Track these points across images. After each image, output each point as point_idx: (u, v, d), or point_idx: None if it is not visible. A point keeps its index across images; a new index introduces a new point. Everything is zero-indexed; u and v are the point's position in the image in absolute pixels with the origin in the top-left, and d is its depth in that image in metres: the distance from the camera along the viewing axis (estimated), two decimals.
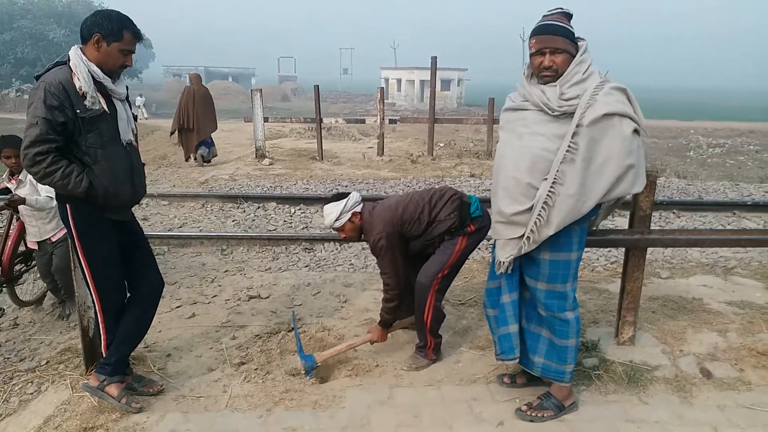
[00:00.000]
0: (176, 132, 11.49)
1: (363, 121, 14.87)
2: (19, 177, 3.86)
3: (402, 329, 3.76)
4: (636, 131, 2.52)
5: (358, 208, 3.31)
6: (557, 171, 2.51)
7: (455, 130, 20.70)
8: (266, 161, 11.83)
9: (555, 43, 2.52)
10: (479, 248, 5.67)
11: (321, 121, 12.36)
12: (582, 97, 2.49)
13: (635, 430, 2.80)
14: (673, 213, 7.56)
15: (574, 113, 2.49)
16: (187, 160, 11.78)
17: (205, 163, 11.46)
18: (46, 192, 3.71)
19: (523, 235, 2.63)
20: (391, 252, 3.21)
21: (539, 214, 2.56)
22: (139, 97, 27.73)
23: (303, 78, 73.38)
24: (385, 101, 13.11)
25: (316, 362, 3.26)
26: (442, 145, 15.06)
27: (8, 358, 3.39)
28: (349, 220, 3.29)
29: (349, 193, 3.34)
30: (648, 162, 3.78)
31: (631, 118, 2.50)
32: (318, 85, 12.44)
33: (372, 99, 44.41)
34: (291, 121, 15.23)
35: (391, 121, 13.62)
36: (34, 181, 3.64)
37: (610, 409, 2.95)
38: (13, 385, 3.19)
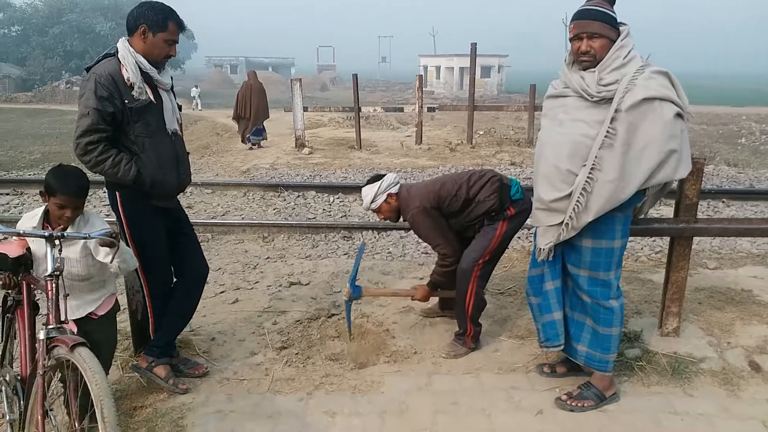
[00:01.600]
0: (237, 120, 13.05)
1: (401, 110, 14.85)
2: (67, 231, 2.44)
3: (440, 317, 3.79)
4: (679, 115, 2.46)
5: (394, 189, 3.34)
6: (596, 157, 2.48)
7: (495, 117, 20.45)
8: (306, 150, 11.97)
9: (592, 28, 2.49)
10: (519, 237, 5.62)
11: (359, 110, 12.39)
12: (621, 82, 2.45)
13: (679, 422, 2.74)
14: (723, 202, 7.31)
15: (613, 98, 2.45)
16: (243, 142, 13.03)
17: (254, 147, 12.79)
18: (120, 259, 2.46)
19: (563, 221, 2.61)
20: (433, 224, 3.24)
21: (578, 200, 2.54)
22: (194, 88, 28.58)
23: (342, 67, 73.47)
24: (424, 89, 13.04)
25: (362, 295, 3.53)
26: (481, 132, 14.90)
27: None
28: (385, 201, 3.34)
29: (385, 175, 3.38)
30: (696, 149, 3.65)
31: (673, 102, 2.44)
32: (356, 74, 12.47)
33: (411, 87, 44.17)
34: (330, 111, 15.34)
35: (430, 109, 13.56)
36: (90, 243, 2.46)
37: (653, 401, 2.90)
38: None
